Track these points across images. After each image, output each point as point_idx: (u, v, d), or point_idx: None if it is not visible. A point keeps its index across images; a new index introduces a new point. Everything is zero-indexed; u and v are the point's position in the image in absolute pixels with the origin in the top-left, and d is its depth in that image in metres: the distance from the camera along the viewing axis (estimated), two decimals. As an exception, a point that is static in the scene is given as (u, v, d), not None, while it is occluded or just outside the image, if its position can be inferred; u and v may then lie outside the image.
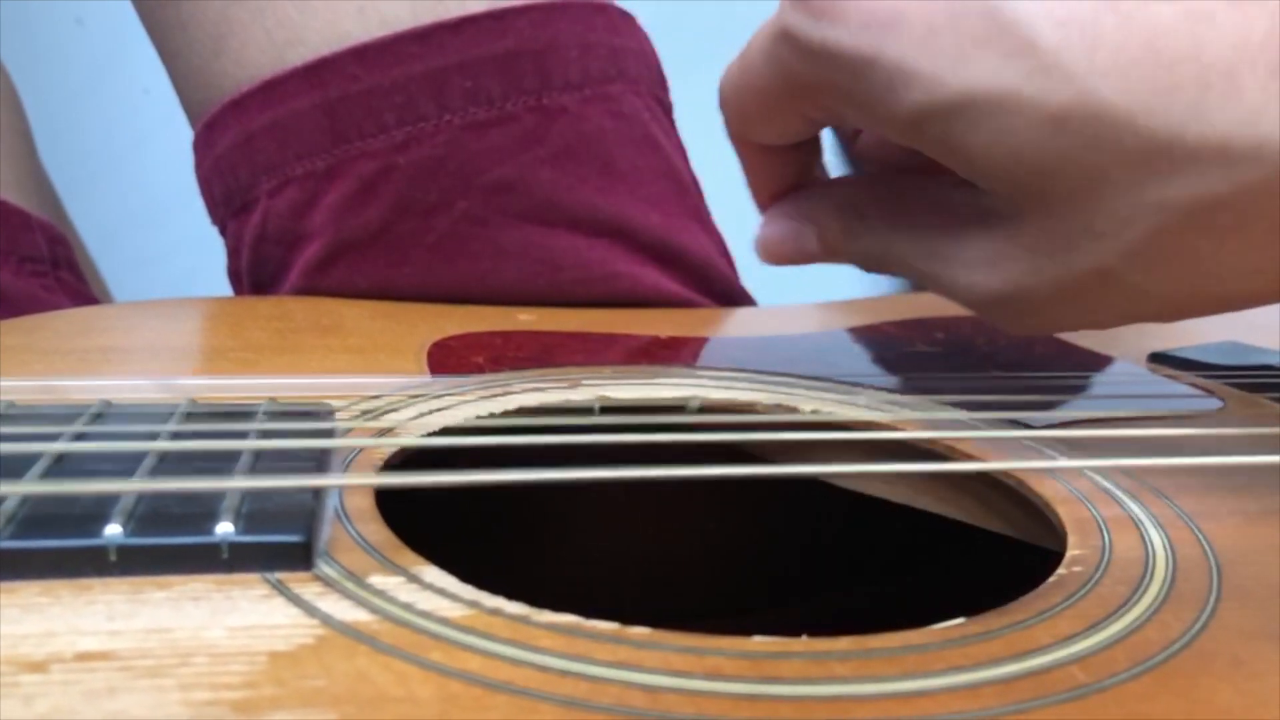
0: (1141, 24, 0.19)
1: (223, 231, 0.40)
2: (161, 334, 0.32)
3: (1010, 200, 0.22)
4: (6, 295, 0.38)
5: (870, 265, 0.27)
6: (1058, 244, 0.21)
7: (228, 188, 0.38)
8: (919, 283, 0.26)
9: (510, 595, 0.16)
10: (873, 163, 0.29)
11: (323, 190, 0.37)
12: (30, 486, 0.17)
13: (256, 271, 0.39)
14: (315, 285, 0.38)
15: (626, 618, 0.16)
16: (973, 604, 0.17)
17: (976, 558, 0.30)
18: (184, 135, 0.40)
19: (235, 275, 0.41)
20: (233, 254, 0.40)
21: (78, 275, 0.43)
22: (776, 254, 0.28)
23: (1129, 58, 0.19)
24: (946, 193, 0.25)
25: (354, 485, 0.19)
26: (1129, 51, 0.19)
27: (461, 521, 0.29)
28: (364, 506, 0.19)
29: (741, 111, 0.26)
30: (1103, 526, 0.21)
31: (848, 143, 0.30)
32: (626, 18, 0.41)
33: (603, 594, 0.18)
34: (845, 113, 0.23)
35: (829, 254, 0.27)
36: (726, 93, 0.26)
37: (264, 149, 0.37)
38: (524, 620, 0.16)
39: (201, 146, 0.39)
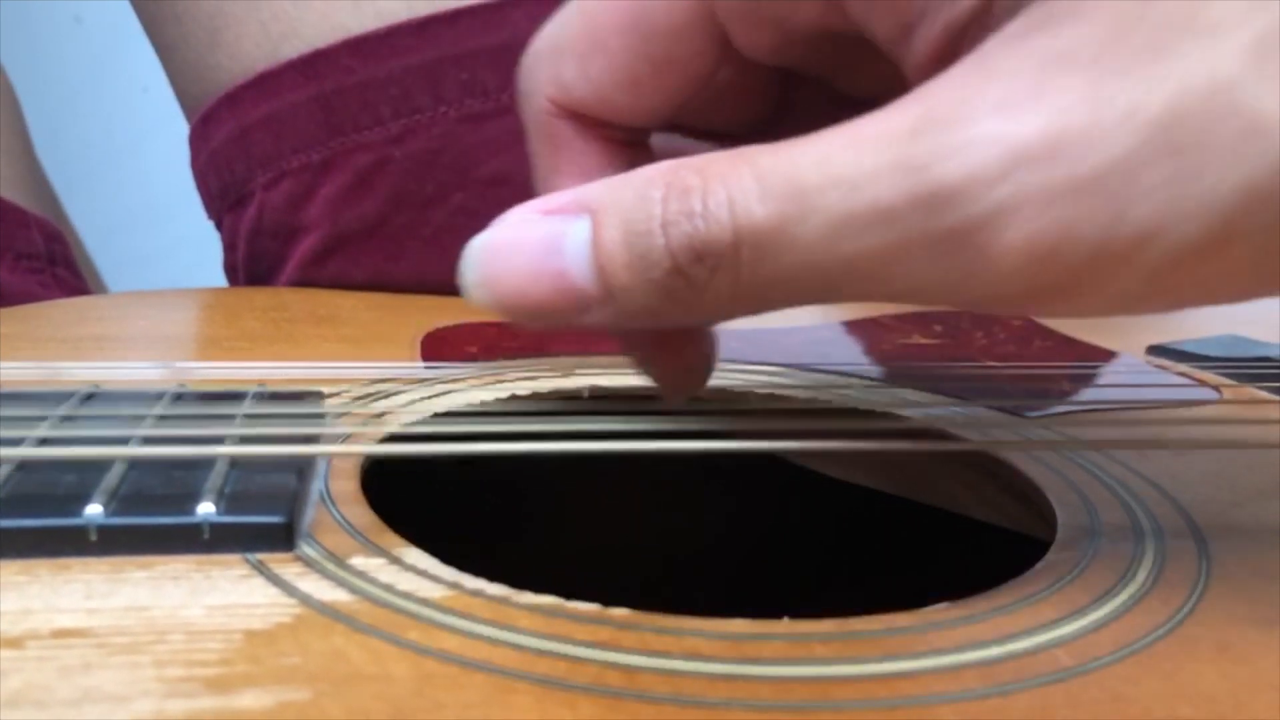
0: None
1: (219, 225, 0.41)
2: (156, 323, 0.32)
3: None
4: (3, 292, 0.39)
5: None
6: (1145, 44, 0.14)
7: (223, 181, 0.39)
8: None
9: (495, 582, 0.16)
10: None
11: (319, 183, 0.37)
12: (18, 454, 0.17)
13: (253, 265, 0.39)
14: (312, 278, 0.38)
15: (611, 605, 0.16)
16: (964, 594, 0.17)
17: (970, 549, 0.30)
18: (182, 133, 0.40)
19: (232, 269, 0.41)
20: (229, 248, 0.40)
21: (75, 272, 0.43)
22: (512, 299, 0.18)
23: None
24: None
25: (338, 453, 0.19)
26: None
27: (449, 512, 0.29)
28: (349, 490, 0.19)
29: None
30: (1092, 513, 0.21)
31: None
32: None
33: (590, 586, 0.18)
34: None
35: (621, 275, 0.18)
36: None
37: (259, 142, 0.37)
38: (505, 601, 0.15)
39: (197, 140, 0.39)
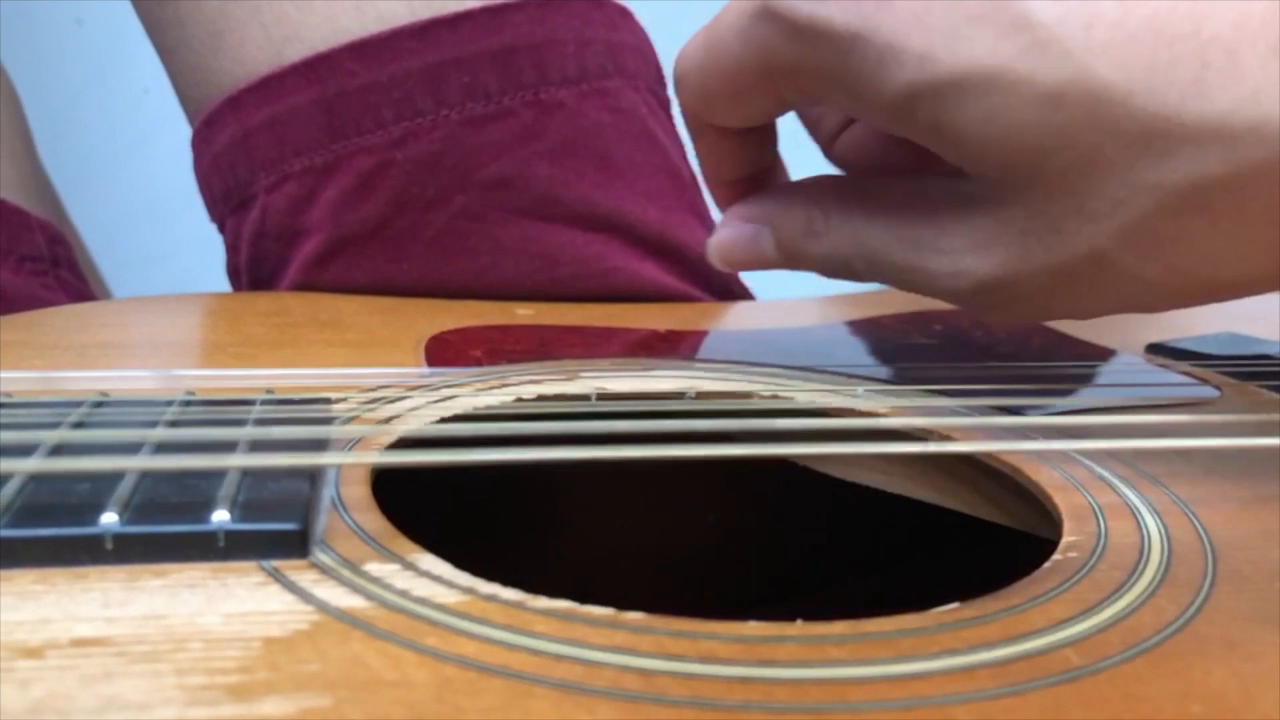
0: (1140, 1, 0.19)
1: (221, 228, 0.40)
2: (160, 329, 0.32)
3: (1000, 183, 0.21)
4: (6, 294, 0.39)
5: (833, 268, 0.25)
6: (1049, 226, 0.21)
7: (226, 184, 0.38)
8: (891, 280, 0.25)
9: (508, 586, 0.16)
10: (850, 165, 0.28)
11: (321, 186, 0.37)
12: (32, 465, 0.17)
13: (255, 268, 0.39)
14: (314, 281, 0.38)
15: (623, 608, 0.16)
16: (971, 595, 0.17)
17: (975, 549, 0.30)
18: (184, 135, 0.40)
19: (234, 272, 0.41)
20: (231, 251, 0.40)
21: (77, 274, 0.43)
22: (730, 259, 0.27)
23: (1127, 34, 0.19)
24: (924, 184, 0.24)
25: (350, 463, 0.19)
26: (1127, 28, 0.19)
27: (459, 516, 0.30)
28: (360, 496, 0.19)
29: (707, 92, 0.24)
30: (1098, 513, 0.21)
31: (825, 144, 0.29)
32: (624, 13, 0.41)
33: (600, 588, 0.18)
34: (829, 94, 0.22)
35: (787, 259, 0.26)
36: (688, 72, 0.25)
37: (262, 145, 0.37)
38: (519, 606, 0.16)
39: (200, 143, 0.39)
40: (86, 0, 0.73)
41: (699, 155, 0.27)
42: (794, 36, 0.21)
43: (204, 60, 0.37)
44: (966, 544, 0.30)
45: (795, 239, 0.26)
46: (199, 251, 0.49)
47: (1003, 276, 0.22)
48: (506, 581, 0.16)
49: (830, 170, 0.28)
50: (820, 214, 0.25)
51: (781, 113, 0.26)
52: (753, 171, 0.27)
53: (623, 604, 0.16)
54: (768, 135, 0.27)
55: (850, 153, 0.28)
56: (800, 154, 0.29)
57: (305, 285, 0.38)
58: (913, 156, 0.26)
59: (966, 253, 0.22)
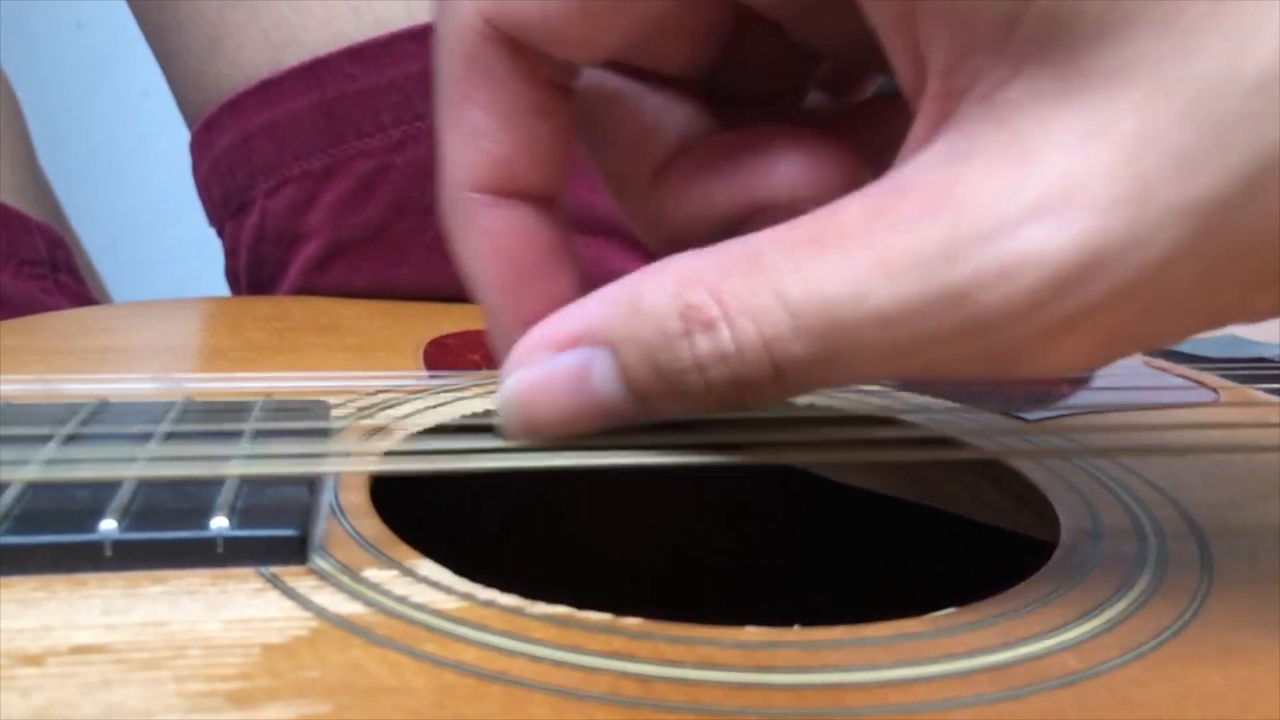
0: None
1: (220, 232, 0.41)
2: (160, 334, 0.32)
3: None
4: (6, 298, 0.39)
5: (751, 390, 0.17)
6: (1190, 122, 0.12)
7: (225, 188, 0.39)
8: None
9: (506, 591, 0.16)
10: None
11: (320, 190, 0.37)
12: (31, 473, 0.17)
13: (255, 272, 0.39)
14: (313, 285, 0.38)
15: (621, 613, 0.16)
16: (969, 599, 0.17)
17: (973, 552, 0.30)
18: (183, 138, 0.40)
19: (233, 276, 0.41)
20: (230, 255, 0.40)
21: (77, 278, 0.44)
22: (544, 417, 0.18)
23: None
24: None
25: (350, 470, 0.19)
26: None
27: (458, 522, 0.30)
28: (359, 502, 0.19)
29: None
30: (1095, 515, 0.21)
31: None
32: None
33: (599, 593, 0.18)
34: None
35: (647, 398, 0.17)
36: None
37: (261, 149, 0.37)
38: (518, 612, 0.16)
39: (199, 148, 0.39)
40: (86, 4, 0.74)
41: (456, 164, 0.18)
42: None
43: (203, 64, 0.37)
44: (964, 547, 0.30)
45: (663, 351, 0.16)
46: (198, 255, 0.49)
47: (1103, 250, 0.13)
48: (505, 587, 0.16)
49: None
50: (708, 295, 0.15)
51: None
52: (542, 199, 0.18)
53: (621, 609, 0.16)
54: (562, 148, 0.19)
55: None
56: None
57: (305, 289, 0.38)
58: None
59: (1027, 222, 0.13)
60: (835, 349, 0.15)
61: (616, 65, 0.19)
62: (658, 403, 0.16)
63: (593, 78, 0.19)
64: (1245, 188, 0.12)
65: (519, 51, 0.17)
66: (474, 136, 0.17)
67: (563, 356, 0.17)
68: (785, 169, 0.18)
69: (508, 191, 0.18)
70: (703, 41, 0.19)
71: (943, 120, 0.15)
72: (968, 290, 0.14)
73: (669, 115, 0.19)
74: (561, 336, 0.17)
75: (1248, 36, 0.12)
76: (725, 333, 0.15)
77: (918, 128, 0.15)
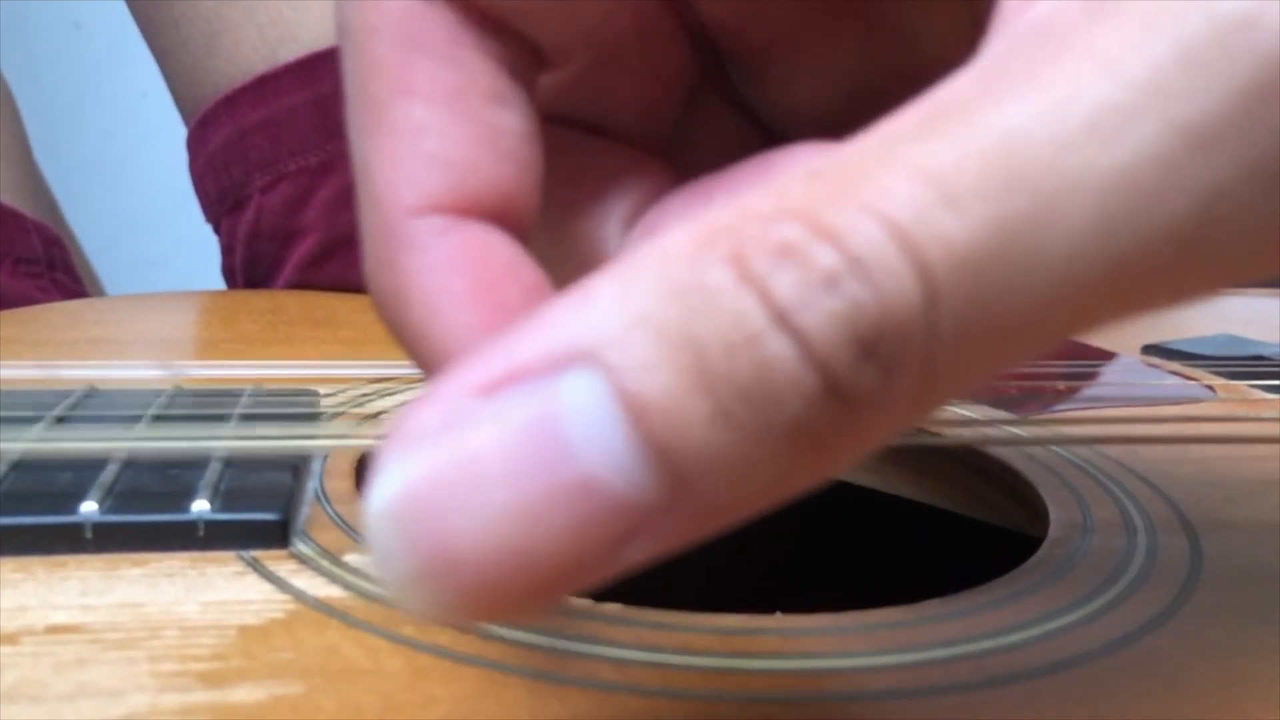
0: None
1: (217, 229, 0.41)
2: (153, 325, 0.32)
3: None
4: (3, 296, 0.39)
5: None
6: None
7: (221, 185, 0.39)
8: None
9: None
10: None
11: (316, 186, 0.37)
12: (15, 450, 0.17)
13: (250, 268, 0.39)
14: (309, 281, 0.38)
15: (603, 602, 0.16)
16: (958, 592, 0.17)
17: (964, 547, 0.30)
18: (181, 138, 0.40)
19: (229, 272, 0.41)
20: (227, 251, 0.40)
21: (74, 277, 0.44)
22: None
23: None
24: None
25: (334, 459, 0.19)
26: None
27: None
28: (344, 488, 0.19)
29: None
30: (1085, 509, 0.21)
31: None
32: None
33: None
34: None
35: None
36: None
37: (257, 145, 0.37)
38: (497, 597, 0.16)
39: (195, 144, 0.39)
40: (85, 4, 0.74)
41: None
42: None
43: (199, 61, 0.38)
44: (956, 544, 0.30)
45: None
46: (195, 255, 0.49)
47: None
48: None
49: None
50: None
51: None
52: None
53: (603, 599, 0.16)
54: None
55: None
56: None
57: (300, 285, 0.38)
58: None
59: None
60: (1029, 213, 0.08)
61: (565, 115, 0.15)
62: (705, 454, 0.08)
63: (546, 131, 0.14)
64: None
65: (468, 19, 0.12)
66: (415, 137, 0.12)
67: (499, 403, 0.08)
68: None
69: (468, 208, 0.12)
70: (659, 98, 0.15)
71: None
72: (1253, 13, 0.08)
73: (631, 168, 0.15)
74: (492, 373, 0.08)
75: None
76: (823, 249, 0.08)
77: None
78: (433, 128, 0.12)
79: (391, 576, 0.08)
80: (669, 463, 0.08)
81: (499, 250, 0.12)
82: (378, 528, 0.08)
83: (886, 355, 0.08)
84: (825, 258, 0.08)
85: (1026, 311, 0.08)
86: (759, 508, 0.09)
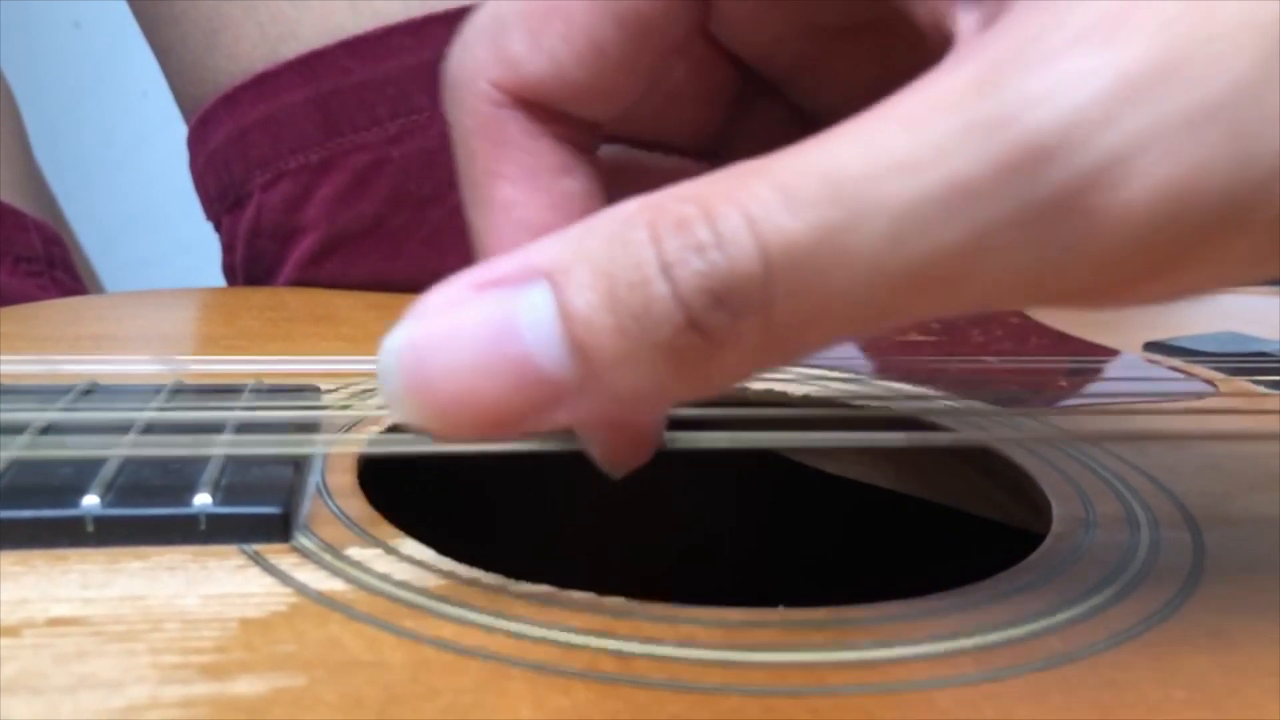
0: None
1: (217, 227, 0.41)
2: (154, 322, 0.32)
3: None
4: (3, 294, 0.39)
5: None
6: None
7: (221, 183, 0.39)
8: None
9: (491, 572, 0.16)
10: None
11: (316, 184, 0.37)
12: (15, 450, 0.17)
13: (251, 266, 0.39)
14: (310, 278, 0.38)
15: (606, 595, 0.16)
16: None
17: (966, 544, 0.30)
18: (181, 137, 0.40)
19: (230, 270, 0.41)
20: (227, 249, 0.40)
21: (74, 275, 0.44)
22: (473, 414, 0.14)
23: None
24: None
25: (335, 451, 0.19)
26: None
27: (446, 506, 0.29)
28: (345, 483, 0.19)
29: None
30: (1087, 504, 0.21)
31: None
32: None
33: (586, 579, 0.18)
34: None
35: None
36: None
37: (257, 143, 0.37)
38: (500, 590, 0.16)
39: (195, 142, 0.39)
40: (85, 3, 0.74)
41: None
42: None
43: (199, 58, 0.37)
44: (959, 540, 0.30)
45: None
46: (196, 253, 0.49)
47: (1171, 61, 0.11)
48: (491, 569, 0.16)
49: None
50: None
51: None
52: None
53: (606, 593, 0.16)
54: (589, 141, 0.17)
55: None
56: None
57: (301, 283, 0.38)
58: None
59: (1076, 46, 0.12)
60: (845, 218, 0.11)
61: (629, 139, 0.18)
62: (607, 354, 0.12)
63: (607, 152, 0.18)
64: None
65: (535, 114, 0.16)
66: (506, 211, 0.16)
67: (480, 299, 0.13)
68: None
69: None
70: (706, 109, 0.18)
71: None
72: (1009, 114, 0.11)
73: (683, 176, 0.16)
74: (487, 276, 0.13)
75: None
76: (701, 226, 0.12)
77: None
78: (519, 201, 0.16)
79: (391, 401, 0.13)
80: (583, 356, 0.12)
81: None
82: (385, 363, 0.13)
83: (732, 306, 0.12)
84: (702, 233, 0.12)
85: (841, 294, 0.12)
86: (652, 406, 0.14)
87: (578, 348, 0.12)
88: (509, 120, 0.16)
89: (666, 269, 0.12)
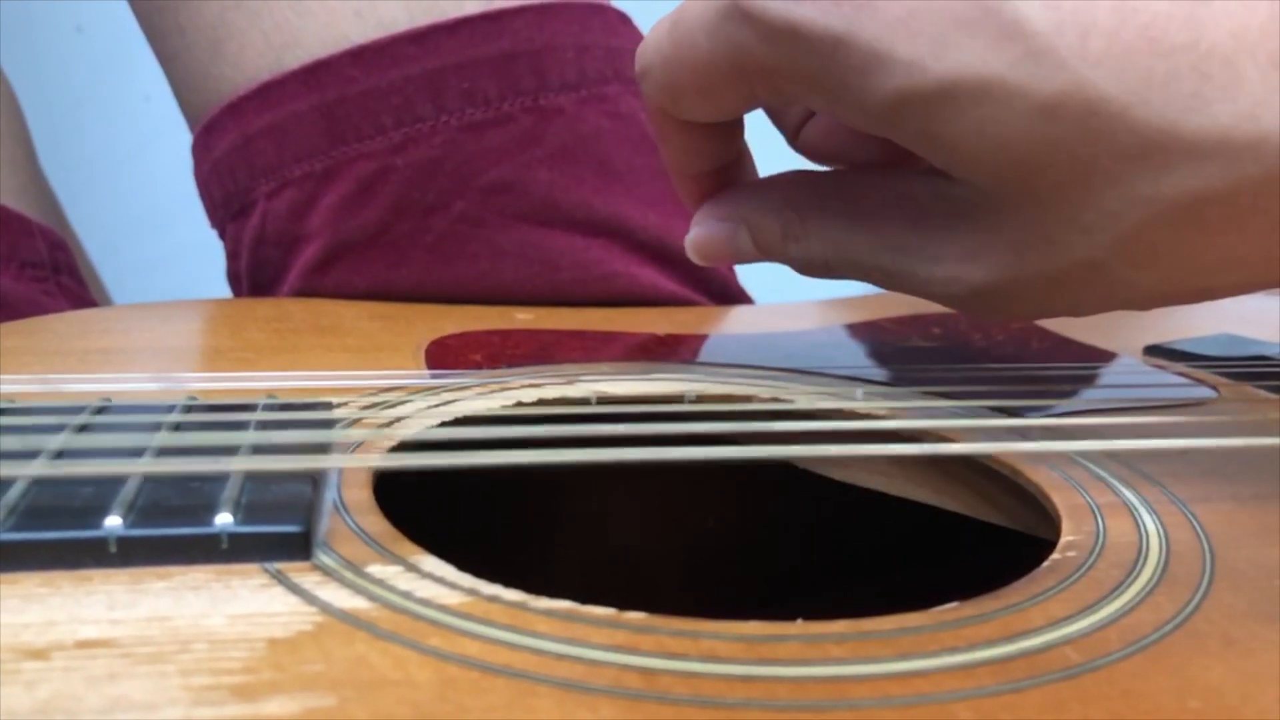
0: (1136, 10, 0.18)
1: (222, 234, 0.41)
2: (161, 335, 0.32)
3: (991, 193, 0.21)
4: (7, 300, 0.39)
5: (814, 269, 0.25)
6: (1043, 236, 0.20)
7: (226, 191, 0.39)
8: (877, 282, 0.24)
9: (510, 587, 0.16)
10: (819, 156, 0.26)
11: (321, 192, 0.37)
12: (36, 469, 0.17)
13: (255, 273, 0.39)
14: (314, 286, 0.38)
15: (625, 609, 0.16)
16: (971, 596, 0.18)
17: (975, 551, 0.30)
18: (184, 141, 0.40)
19: (234, 278, 0.41)
20: (232, 257, 0.40)
21: (78, 280, 0.44)
22: (710, 255, 0.26)
23: (1124, 45, 0.18)
24: (909, 185, 0.23)
25: (352, 466, 0.20)
26: (1123, 38, 0.18)
27: (460, 519, 0.30)
28: (362, 499, 0.19)
29: (673, 88, 0.23)
30: (1096, 512, 0.21)
31: (790, 133, 0.27)
32: (624, 19, 0.41)
33: (602, 591, 0.18)
34: (806, 97, 0.21)
35: (767, 255, 0.25)
36: (653, 66, 0.23)
37: (262, 151, 0.37)
38: (521, 606, 0.16)
39: (200, 150, 0.39)
40: (87, 6, 0.74)
41: (663, 148, 0.26)
42: (768, 39, 0.20)
43: (204, 67, 0.38)
44: (966, 546, 0.30)
45: (772, 241, 0.25)
46: (200, 258, 0.49)
47: (996, 282, 0.22)
48: (508, 583, 0.16)
49: (795, 159, 0.27)
50: (796, 218, 0.24)
51: (752, 108, 0.24)
52: (720, 164, 0.26)
53: (624, 606, 0.16)
54: (735, 128, 0.26)
55: (819, 142, 0.26)
56: (767, 142, 0.28)
57: (305, 291, 0.38)
58: (888, 151, 0.25)
59: (958, 261, 0.22)
60: None
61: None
62: (769, 255, 0.25)
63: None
64: (1081, 273, 0.22)
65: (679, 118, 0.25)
66: (674, 154, 0.26)
67: (724, 224, 0.26)
68: None
69: (706, 171, 0.26)
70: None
71: None
72: None
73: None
74: (718, 211, 0.26)
75: None
76: None
77: None
78: (682, 152, 0.26)
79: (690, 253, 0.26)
80: (761, 245, 0.25)
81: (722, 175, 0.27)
82: (688, 243, 0.27)
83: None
84: None
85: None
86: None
87: (759, 245, 0.26)
88: (666, 117, 0.25)
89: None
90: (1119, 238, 0.20)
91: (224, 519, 0.16)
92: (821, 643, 0.15)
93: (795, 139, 0.27)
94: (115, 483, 0.17)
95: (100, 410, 0.21)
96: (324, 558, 0.17)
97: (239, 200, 0.38)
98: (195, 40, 0.37)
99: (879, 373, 0.31)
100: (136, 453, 0.19)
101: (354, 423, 0.23)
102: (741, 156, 0.27)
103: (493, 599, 0.16)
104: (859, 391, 0.28)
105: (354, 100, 0.36)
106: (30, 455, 0.18)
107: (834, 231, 0.24)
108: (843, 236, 0.24)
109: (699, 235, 0.26)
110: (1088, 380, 0.32)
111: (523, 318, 0.36)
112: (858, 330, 0.38)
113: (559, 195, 0.38)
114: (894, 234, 0.23)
